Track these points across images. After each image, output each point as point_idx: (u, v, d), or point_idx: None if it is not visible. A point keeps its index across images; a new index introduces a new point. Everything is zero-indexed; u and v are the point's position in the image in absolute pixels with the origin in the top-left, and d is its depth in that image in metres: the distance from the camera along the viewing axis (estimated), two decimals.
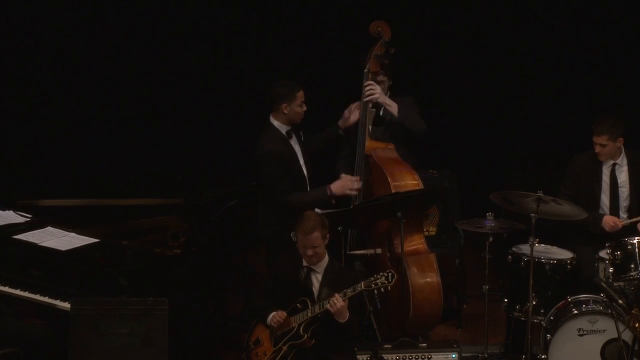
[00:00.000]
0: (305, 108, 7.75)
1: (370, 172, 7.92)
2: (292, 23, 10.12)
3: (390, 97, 8.14)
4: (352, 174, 7.84)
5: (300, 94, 7.72)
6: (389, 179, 7.80)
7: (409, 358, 7.28)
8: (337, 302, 6.63)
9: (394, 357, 7.27)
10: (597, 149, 7.89)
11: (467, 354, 7.76)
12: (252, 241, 8.10)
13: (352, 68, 8.22)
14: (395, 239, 7.73)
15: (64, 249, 7.14)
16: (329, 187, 7.66)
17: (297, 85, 7.75)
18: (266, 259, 7.87)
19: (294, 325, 6.78)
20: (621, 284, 7.50)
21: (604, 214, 7.92)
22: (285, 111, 7.70)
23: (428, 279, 7.75)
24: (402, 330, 7.64)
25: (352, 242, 7.87)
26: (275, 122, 7.76)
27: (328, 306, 6.63)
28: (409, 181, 7.83)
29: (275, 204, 7.64)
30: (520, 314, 7.72)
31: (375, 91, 7.99)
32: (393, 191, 7.71)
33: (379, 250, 7.81)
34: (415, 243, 7.92)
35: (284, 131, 7.74)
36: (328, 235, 6.89)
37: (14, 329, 6.87)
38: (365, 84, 8.00)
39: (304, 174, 7.77)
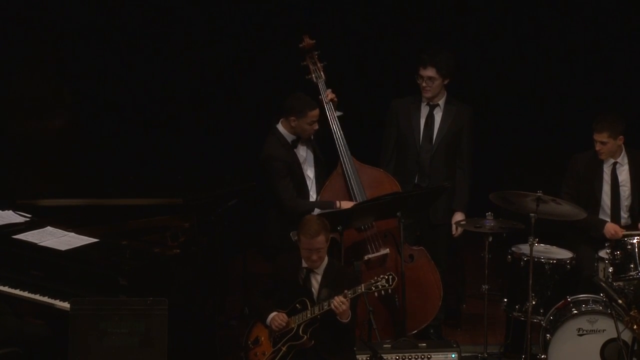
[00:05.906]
0: (316, 127, 7.71)
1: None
2: (293, 24, 10.10)
3: (448, 99, 8.10)
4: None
5: (313, 113, 7.66)
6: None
7: (408, 358, 7.28)
8: (343, 303, 6.65)
9: (394, 357, 7.27)
10: (598, 147, 7.88)
11: (467, 354, 7.77)
12: (252, 241, 8.08)
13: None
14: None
15: (63, 248, 7.13)
16: (338, 202, 7.67)
17: (313, 103, 7.69)
18: (268, 263, 7.85)
19: (293, 326, 6.78)
20: (621, 283, 7.51)
21: (607, 221, 7.89)
22: (293, 124, 7.70)
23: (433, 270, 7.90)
24: (427, 318, 7.80)
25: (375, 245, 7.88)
26: (282, 129, 7.76)
27: (333, 307, 6.64)
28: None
29: (280, 208, 7.66)
30: (519, 314, 7.72)
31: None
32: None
33: (387, 250, 7.82)
34: None
35: (289, 139, 7.74)
36: (329, 238, 6.90)
37: (13, 329, 6.87)
38: (327, 91, 7.90)
39: (305, 179, 7.79)
